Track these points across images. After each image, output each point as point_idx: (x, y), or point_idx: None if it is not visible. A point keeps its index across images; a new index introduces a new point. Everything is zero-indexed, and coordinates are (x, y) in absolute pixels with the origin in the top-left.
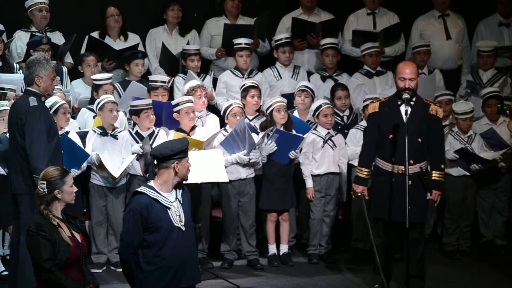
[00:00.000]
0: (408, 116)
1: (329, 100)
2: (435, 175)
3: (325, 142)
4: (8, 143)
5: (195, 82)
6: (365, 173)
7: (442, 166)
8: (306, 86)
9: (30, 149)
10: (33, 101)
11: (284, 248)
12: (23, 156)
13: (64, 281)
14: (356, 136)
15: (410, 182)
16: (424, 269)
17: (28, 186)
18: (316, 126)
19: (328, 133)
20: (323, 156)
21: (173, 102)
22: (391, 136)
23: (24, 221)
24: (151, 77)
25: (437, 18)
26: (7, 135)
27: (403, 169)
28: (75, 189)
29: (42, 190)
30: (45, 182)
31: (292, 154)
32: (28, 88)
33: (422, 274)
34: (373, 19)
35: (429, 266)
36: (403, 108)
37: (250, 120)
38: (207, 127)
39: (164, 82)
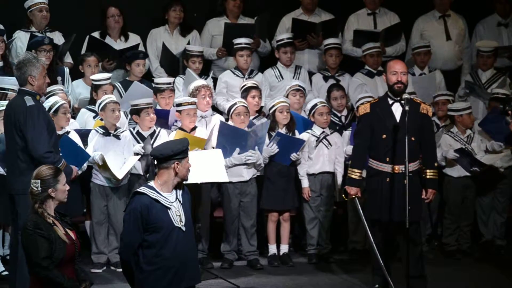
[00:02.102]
0: (401, 115)
1: (326, 101)
2: (429, 173)
3: (319, 141)
4: (5, 143)
5: (199, 82)
6: (358, 174)
7: (435, 164)
8: (300, 86)
9: (35, 150)
10: (29, 101)
11: (284, 248)
12: (20, 156)
13: (61, 279)
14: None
15: (405, 181)
16: (424, 269)
17: (26, 186)
18: (311, 125)
19: (323, 132)
20: (318, 156)
21: (176, 101)
22: (384, 136)
23: (22, 221)
24: (156, 80)
25: (437, 19)
26: None
27: (399, 169)
28: (67, 187)
29: (36, 189)
30: (38, 180)
31: (293, 156)
32: (22, 88)
33: (423, 274)
34: (373, 19)
35: (429, 266)
36: (395, 108)
37: (251, 120)
38: (212, 127)
39: (170, 83)
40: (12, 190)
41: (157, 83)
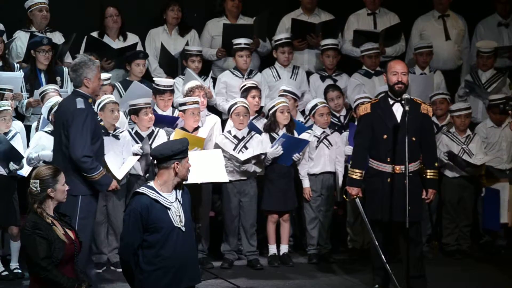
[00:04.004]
0: (402, 115)
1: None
2: (429, 173)
3: (320, 141)
4: (53, 143)
5: (193, 82)
6: (358, 174)
7: (436, 164)
8: (285, 90)
9: (74, 152)
10: (80, 103)
11: (284, 249)
12: (67, 156)
13: (60, 279)
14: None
15: (405, 181)
16: (424, 269)
17: (72, 186)
18: (311, 126)
19: (324, 132)
20: (319, 156)
21: (180, 101)
22: (385, 136)
23: (79, 220)
24: (156, 81)
25: (437, 19)
26: (7, 136)
27: (400, 169)
28: (66, 187)
29: (35, 189)
30: (38, 181)
31: (295, 157)
32: (76, 89)
33: (423, 274)
34: (373, 19)
35: (429, 266)
36: (395, 108)
37: (251, 121)
38: (207, 127)
39: (171, 86)
40: None
41: (158, 84)
